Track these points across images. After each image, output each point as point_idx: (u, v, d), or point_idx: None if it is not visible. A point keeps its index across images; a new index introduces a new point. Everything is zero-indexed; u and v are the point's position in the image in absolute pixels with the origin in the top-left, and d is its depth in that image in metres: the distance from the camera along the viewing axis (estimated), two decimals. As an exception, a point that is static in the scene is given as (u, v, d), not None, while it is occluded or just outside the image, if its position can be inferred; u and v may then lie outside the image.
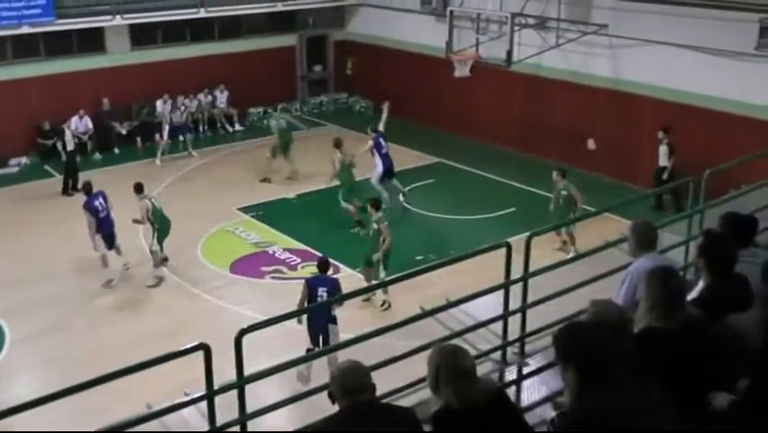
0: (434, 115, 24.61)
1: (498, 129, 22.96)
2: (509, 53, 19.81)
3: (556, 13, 20.66)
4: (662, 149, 18.50)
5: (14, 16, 21.98)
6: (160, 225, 15.88)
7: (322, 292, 11.61)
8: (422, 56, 24.73)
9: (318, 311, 11.29)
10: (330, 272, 12.47)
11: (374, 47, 26.98)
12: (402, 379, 6.82)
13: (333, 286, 11.75)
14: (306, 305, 11.63)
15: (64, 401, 5.45)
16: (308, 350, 10.88)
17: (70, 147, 20.94)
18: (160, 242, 15.86)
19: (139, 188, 15.95)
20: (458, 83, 21.89)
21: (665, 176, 18.17)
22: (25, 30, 22.33)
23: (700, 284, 5.74)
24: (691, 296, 5.51)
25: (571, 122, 20.67)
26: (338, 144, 18.43)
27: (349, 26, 28.40)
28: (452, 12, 21.29)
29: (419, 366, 4.96)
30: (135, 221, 15.93)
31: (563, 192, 16.34)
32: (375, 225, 14.58)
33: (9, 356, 13.53)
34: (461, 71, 21.13)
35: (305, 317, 11.32)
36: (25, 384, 12.87)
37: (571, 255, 13.24)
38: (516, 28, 20.01)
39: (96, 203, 15.76)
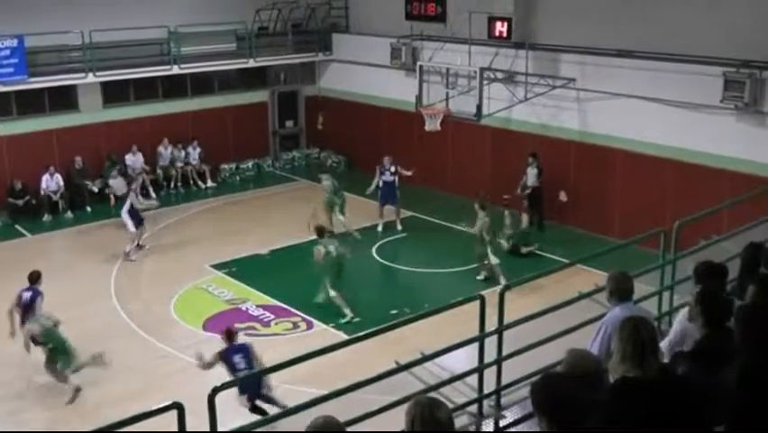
0: (405, 169, 24.77)
1: (470, 182, 23.06)
2: (479, 107, 20.02)
3: (524, 67, 20.95)
4: (532, 171, 20.71)
5: (-14, 75, 21.99)
6: None
7: (239, 360, 11.67)
8: (392, 110, 24.97)
9: (249, 381, 11.21)
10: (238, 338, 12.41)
11: (345, 101, 27.19)
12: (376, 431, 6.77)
13: (248, 349, 11.86)
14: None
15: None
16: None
17: None
18: None
19: None
20: (429, 137, 22.06)
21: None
22: (-3, 89, 22.35)
23: (695, 334, 5.77)
24: (685, 347, 5.54)
25: (543, 174, 20.84)
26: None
27: (320, 81, 28.61)
28: (421, 66, 21.53)
29: (394, 421, 4.92)
30: None
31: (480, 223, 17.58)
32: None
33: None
34: (432, 125, 21.32)
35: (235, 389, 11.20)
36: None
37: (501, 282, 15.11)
38: (486, 82, 20.26)
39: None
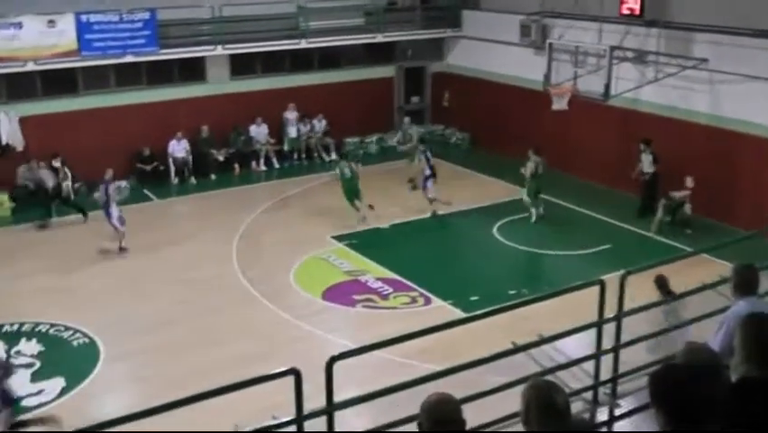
0: (530, 149, 24.48)
1: (594, 164, 22.68)
2: (607, 87, 19.65)
3: (655, 46, 20.41)
4: (646, 157, 20.31)
5: (119, 46, 22.82)
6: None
7: None
8: (519, 89, 24.66)
9: None
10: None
11: (472, 79, 27.02)
12: (491, 414, 6.79)
13: None
14: None
15: (152, 420, 5.57)
16: None
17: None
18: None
19: None
20: (554, 117, 21.78)
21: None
22: (129, 59, 23.14)
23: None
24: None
25: (668, 159, 20.27)
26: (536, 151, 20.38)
27: (447, 58, 28.52)
28: (551, 44, 21.24)
29: (508, 402, 4.94)
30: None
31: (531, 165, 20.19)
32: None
33: (102, 373, 13.89)
34: (559, 105, 21.04)
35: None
36: (116, 401, 13.22)
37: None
38: (615, 61, 19.85)
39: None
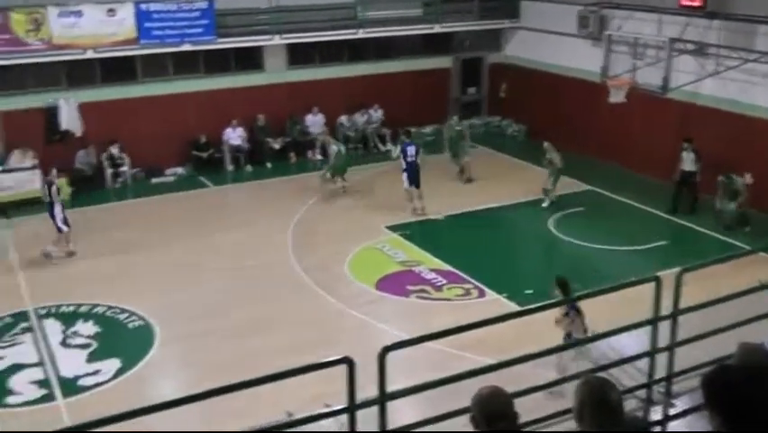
0: (586, 142, 24.24)
1: (650, 157, 22.40)
2: (666, 80, 19.39)
3: (716, 38, 20.09)
4: (688, 156, 19.93)
5: (177, 35, 23.11)
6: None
7: None
8: (576, 80, 24.46)
9: None
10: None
11: (529, 70, 26.87)
12: (543, 410, 6.77)
13: None
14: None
15: (203, 403, 5.65)
16: None
17: None
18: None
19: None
20: (611, 109, 21.58)
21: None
22: (187, 48, 23.40)
23: None
24: None
25: (727, 153, 19.93)
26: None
27: (505, 49, 28.36)
28: (609, 36, 21.01)
29: (559, 398, 4.91)
30: None
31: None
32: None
33: (157, 355, 14.15)
34: (616, 97, 20.84)
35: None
36: (170, 384, 13.52)
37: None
38: (674, 54, 19.58)
39: None
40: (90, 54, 22.52)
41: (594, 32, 23.56)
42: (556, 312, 11.56)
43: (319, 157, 25.16)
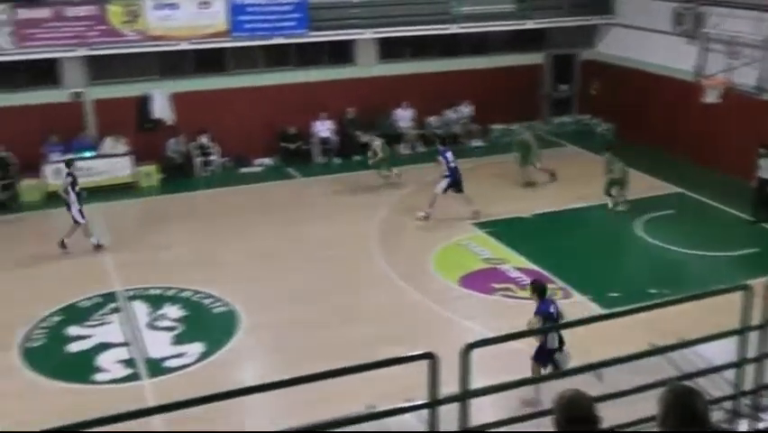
0: (677, 142, 23.75)
1: (745, 161, 21.74)
2: (762, 80, 18.85)
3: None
4: (765, 163, 18.93)
5: (269, 28, 23.40)
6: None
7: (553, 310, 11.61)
8: (668, 79, 23.93)
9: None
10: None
11: (620, 67, 26.38)
12: (625, 415, 6.67)
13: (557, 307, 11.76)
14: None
15: (285, 391, 5.71)
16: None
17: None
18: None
19: None
20: (704, 110, 21.09)
21: None
22: (278, 41, 23.67)
23: None
24: None
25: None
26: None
27: (598, 45, 27.93)
28: (705, 33, 20.53)
29: (640, 404, 4.83)
30: None
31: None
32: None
33: (241, 341, 14.36)
34: (711, 97, 20.36)
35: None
36: (252, 369, 13.70)
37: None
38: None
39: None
40: (183, 46, 22.97)
41: (689, 30, 22.99)
42: (532, 320, 11.35)
43: (408, 151, 25.16)
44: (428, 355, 5.96)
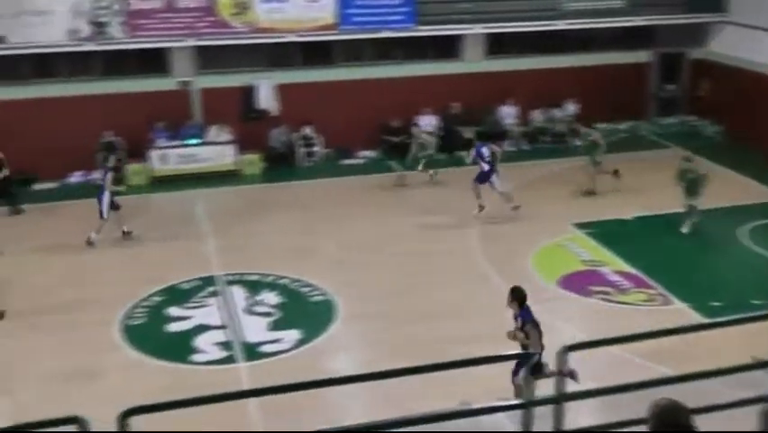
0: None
1: None
2: None
3: None
4: None
5: (377, 21, 23.51)
6: None
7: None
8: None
9: None
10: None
11: (731, 68, 25.53)
12: (722, 428, 6.49)
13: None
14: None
15: (378, 383, 5.74)
16: None
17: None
18: None
19: None
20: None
21: None
22: (386, 34, 23.75)
23: None
24: None
25: None
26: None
27: (709, 44, 27.16)
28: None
29: (742, 420, 4.70)
30: None
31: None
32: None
33: (337, 331, 14.48)
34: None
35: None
36: (347, 359, 13.77)
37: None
38: None
39: None
40: (291, 38, 23.27)
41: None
42: (525, 329, 11.02)
43: (511, 149, 24.95)
44: (525, 356, 5.93)
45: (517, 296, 11.40)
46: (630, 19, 25.64)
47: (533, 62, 25.84)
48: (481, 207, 19.57)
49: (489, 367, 5.96)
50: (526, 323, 11.09)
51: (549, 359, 6.04)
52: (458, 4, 24.62)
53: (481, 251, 17.76)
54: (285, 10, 22.88)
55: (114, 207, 18.60)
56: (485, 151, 19.76)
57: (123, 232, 18.75)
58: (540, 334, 10.97)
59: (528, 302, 15.08)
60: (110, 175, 18.72)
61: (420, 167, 22.18)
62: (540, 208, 20.10)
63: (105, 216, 18.42)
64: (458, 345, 12.25)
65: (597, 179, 21.20)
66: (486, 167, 19.65)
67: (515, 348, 5.83)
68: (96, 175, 21.64)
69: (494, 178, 19.69)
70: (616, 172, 21.33)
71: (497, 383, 6.76)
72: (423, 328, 14.22)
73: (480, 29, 24.51)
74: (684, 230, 18.55)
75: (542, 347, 10.68)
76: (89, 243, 18.33)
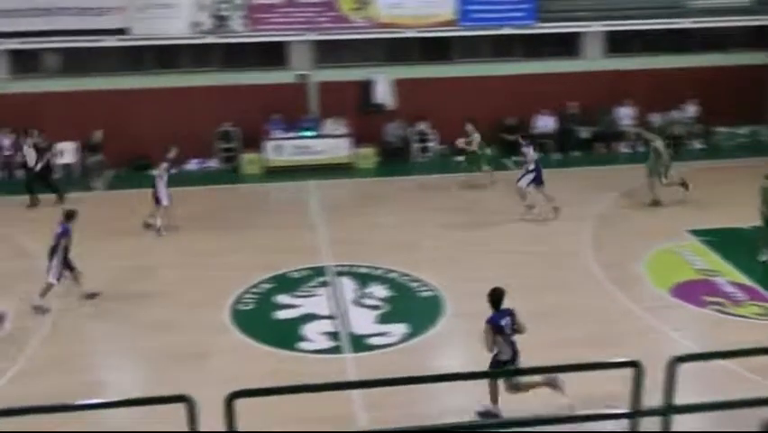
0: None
1: None
2: None
3: None
4: None
5: (497, 18, 23.40)
6: None
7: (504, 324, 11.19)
8: None
9: None
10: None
11: None
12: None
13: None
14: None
15: (481, 381, 5.70)
16: None
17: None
18: None
19: None
20: None
21: None
22: (506, 31, 23.60)
23: None
24: None
25: None
26: None
27: None
28: None
29: None
30: None
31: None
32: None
33: (444, 327, 14.45)
34: None
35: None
36: (453, 356, 13.74)
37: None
38: None
39: None
40: (410, 34, 23.35)
41: None
42: (483, 328, 10.85)
43: (628, 150, 24.49)
44: (633, 364, 5.80)
45: (491, 298, 11.41)
46: (757, 18, 24.76)
47: (653, 61, 25.27)
48: (556, 209, 19.39)
49: (598, 373, 5.85)
50: (486, 324, 11.11)
51: (658, 370, 5.87)
52: (580, 1, 24.30)
53: (592, 253, 17.46)
54: (405, 5, 23.01)
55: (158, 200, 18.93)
56: (531, 150, 19.63)
57: (147, 224, 19.00)
58: (506, 341, 10.98)
59: (638, 309, 14.82)
60: (166, 165, 19.16)
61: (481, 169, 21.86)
62: (653, 212, 19.63)
63: (165, 202, 18.89)
64: (564, 349, 12.09)
65: (662, 187, 20.35)
66: (531, 166, 19.46)
67: (629, 354, 5.73)
68: (211, 163, 22.34)
69: (524, 179, 19.49)
70: (684, 184, 20.52)
71: (605, 389, 6.63)
72: (531, 330, 14.01)
73: (600, 26, 24.09)
74: (763, 258, 17.22)
75: (514, 354, 10.84)
76: (147, 226, 18.86)
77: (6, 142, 23.41)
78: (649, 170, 20.47)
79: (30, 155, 20.98)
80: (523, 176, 19.55)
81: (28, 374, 12.83)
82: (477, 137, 21.89)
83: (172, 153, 19.46)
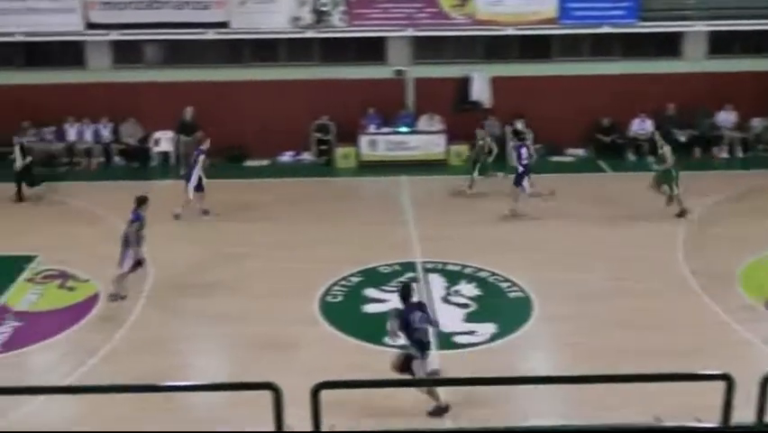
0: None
1: None
2: None
3: None
4: None
5: (598, 16, 23.10)
6: None
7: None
8: None
9: None
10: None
11: None
12: None
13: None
14: None
15: (569, 387, 5.66)
16: None
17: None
18: None
19: None
20: None
21: None
22: (606, 30, 23.27)
23: None
24: None
25: None
26: None
27: None
28: None
29: None
30: None
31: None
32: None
33: (532, 329, 14.40)
34: None
35: None
36: (540, 358, 13.76)
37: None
38: None
39: None
40: (510, 31, 23.22)
41: None
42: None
43: (726, 156, 23.87)
44: (725, 377, 5.68)
45: (400, 291, 11.72)
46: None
47: (757, 64, 24.53)
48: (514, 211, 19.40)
49: (690, 384, 5.75)
50: (393, 318, 11.45)
51: (748, 384, 5.73)
52: (683, 0, 23.75)
53: (685, 260, 17.08)
54: (505, 2, 22.93)
55: (199, 188, 19.34)
56: (524, 152, 19.51)
57: (204, 211, 19.48)
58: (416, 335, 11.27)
59: (731, 320, 14.37)
60: (202, 157, 19.47)
61: (476, 173, 21.29)
62: (750, 221, 19.01)
63: (191, 195, 19.29)
64: (651, 357, 11.91)
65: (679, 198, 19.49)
66: (521, 169, 19.36)
67: (719, 366, 5.59)
68: (306, 156, 22.62)
69: (525, 181, 19.36)
70: (682, 213, 19.35)
71: (697, 401, 6.50)
72: (617, 335, 13.89)
73: (703, 26, 23.52)
74: None
75: (423, 349, 11.26)
76: (176, 216, 19.13)
77: (105, 132, 24.13)
78: (656, 180, 19.74)
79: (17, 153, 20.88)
80: (519, 177, 19.45)
81: (119, 354, 13.25)
82: (488, 140, 21.70)
83: (206, 144, 19.77)
